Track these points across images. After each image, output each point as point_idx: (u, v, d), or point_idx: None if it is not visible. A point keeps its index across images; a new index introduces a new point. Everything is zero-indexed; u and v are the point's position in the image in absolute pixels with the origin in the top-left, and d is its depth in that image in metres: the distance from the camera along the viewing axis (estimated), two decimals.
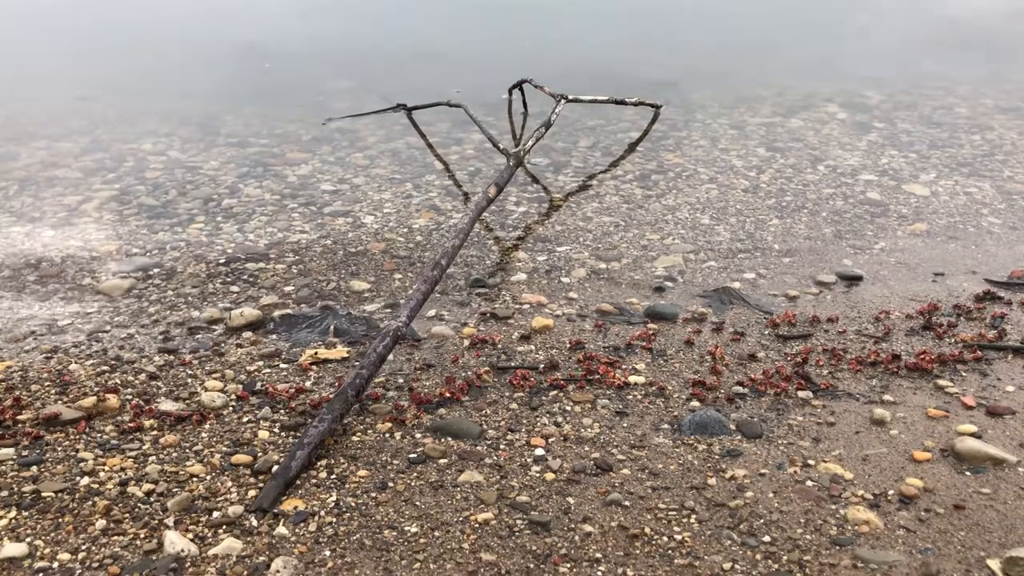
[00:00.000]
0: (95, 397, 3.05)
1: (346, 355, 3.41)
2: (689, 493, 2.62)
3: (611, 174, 5.58)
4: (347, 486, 2.61)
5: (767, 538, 2.44)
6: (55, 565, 2.29)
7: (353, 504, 2.54)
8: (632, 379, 3.25)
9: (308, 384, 3.20)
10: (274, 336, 3.56)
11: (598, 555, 2.36)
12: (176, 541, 2.36)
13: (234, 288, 3.98)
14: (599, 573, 2.30)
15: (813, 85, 7.83)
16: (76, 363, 3.32)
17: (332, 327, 3.62)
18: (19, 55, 8.64)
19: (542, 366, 3.34)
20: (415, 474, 2.68)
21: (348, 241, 4.51)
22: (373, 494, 2.58)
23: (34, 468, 2.68)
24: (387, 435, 2.89)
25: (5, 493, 2.56)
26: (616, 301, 3.92)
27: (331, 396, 3.04)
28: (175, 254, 4.31)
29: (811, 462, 2.79)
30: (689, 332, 3.64)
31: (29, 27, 9.99)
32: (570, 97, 6.15)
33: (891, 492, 2.65)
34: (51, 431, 2.87)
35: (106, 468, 2.69)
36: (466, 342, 3.53)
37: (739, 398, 3.16)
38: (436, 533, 2.43)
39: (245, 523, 2.45)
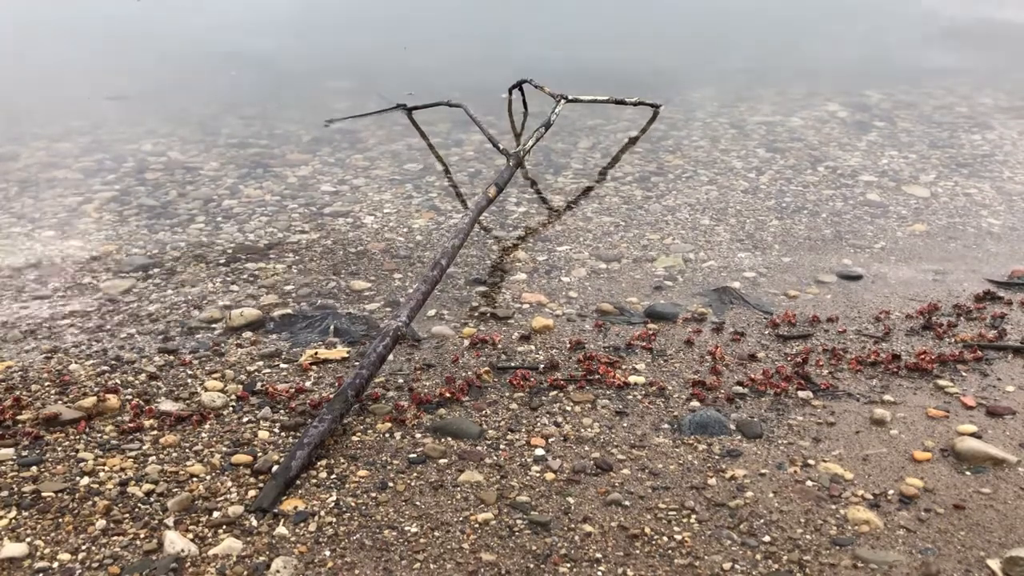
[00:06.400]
0: (95, 397, 3.05)
1: (346, 355, 3.41)
2: (689, 493, 2.62)
3: (611, 174, 5.59)
4: (347, 486, 2.61)
5: (767, 538, 2.44)
6: (55, 565, 2.28)
7: (353, 504, 2.54)
8: (632, 379, 3.26)
9: (308, 384, 3.20)
10: (274, 336, 3.57)
11: (598, 555, 2.36)
12: (176, 541, 2.36)
13: (234, 288, 3.98)
14: (599, 573, 2.30)
15: (813, 84, 7.83)
16: (76, 363, 3.32)
17: (332, 327, 3.63)
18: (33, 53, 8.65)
19: (542, 366, 3.34)
20: (415, 474, 2.68)
21: (348, 241, 4.52)
22: (373, 494, 2.58)
23: (34, 468, 2.68)
24: (387, 435, 2.89)
25: (5, 493, 2.56)
26: (616, 301, 3.92)
27: (331, 396, 3.04)
28: (175, 254, 4.31)
29: (811, 462, 2.79)
30: (689, 332, 3.64)
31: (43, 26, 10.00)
32: (570, 97, 6.15)
33: (891, 492, 2.65)
34: (51, 431, 2.87)
35: (106, 468, 2.69)
36: (466, 342, 3.53)
37: (739, 398, 3.16)
38: (436, 533, 2.43)
39: (245, 523, 2.45)
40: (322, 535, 2.41)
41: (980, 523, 2.52)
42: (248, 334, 3.57)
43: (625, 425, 2.98)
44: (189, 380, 3.21)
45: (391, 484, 2.63)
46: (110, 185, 5.20)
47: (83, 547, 2.35)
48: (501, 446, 2.84)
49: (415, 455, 2.78)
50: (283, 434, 2.89)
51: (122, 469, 2.68)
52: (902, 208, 5.11)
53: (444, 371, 3.30)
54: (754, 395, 3.19)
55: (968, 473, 2.75)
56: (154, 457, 2.75)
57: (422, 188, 5.29)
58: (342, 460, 2.74)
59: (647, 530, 2.46)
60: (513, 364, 3.35)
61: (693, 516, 2.52)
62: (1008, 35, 10.19)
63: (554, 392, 3.17)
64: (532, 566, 2.32)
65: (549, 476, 2.69)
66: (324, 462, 2.72)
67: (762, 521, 2.51)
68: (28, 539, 2.38)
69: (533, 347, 3.51)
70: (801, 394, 3.19)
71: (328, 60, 8.66)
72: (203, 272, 4.13)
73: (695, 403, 3.12)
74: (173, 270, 4.14)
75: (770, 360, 3.44)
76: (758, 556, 2.37)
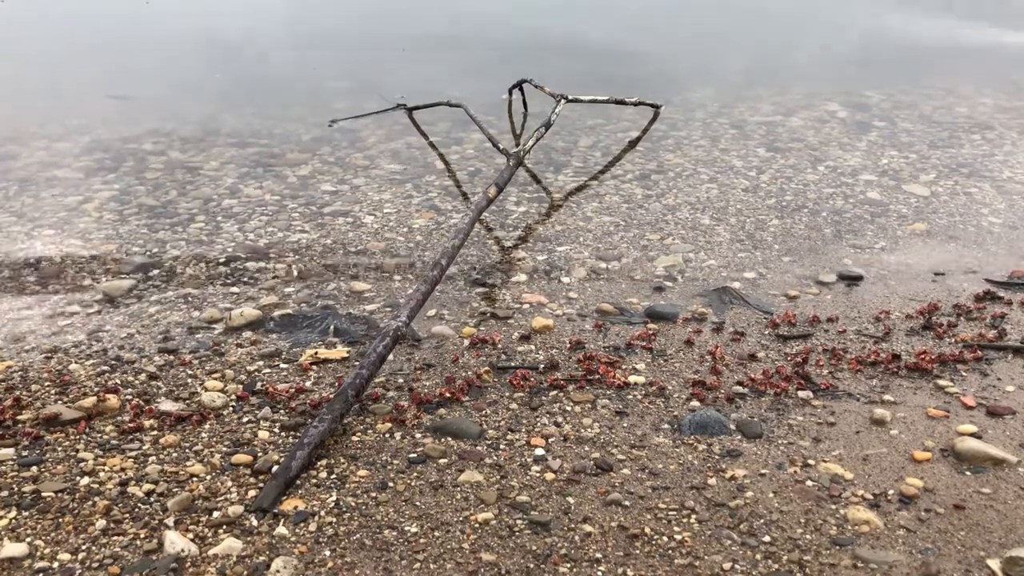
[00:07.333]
0: (95, 397, 3.05)
1: (346, 355, 3.41)
2: (689, 493, 2.62)
3: (611, 174, 5.58)
4: (347, 486, 2.61)
5: (767, 538, 2.44)
6: (55, 565, 2.28)
7: (353, 504, 2.54)
8: (632, 379, 3.25)
9: (308, 384, 3.20)
10: (274, 336, 3.56)
11: (598, 555, 2.36)
12: (176, 541, 2.36)
13: (234, 288, 3.98)
14: (599, 573, 2.30)
15: (813, 84, 7.83)
16: (76, 363, 3.31)
17: (332, 327, 3.62)
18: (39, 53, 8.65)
19: (542, 366, 3.34)
20: (415, 474, 2.68)
21: (348, 241, 4.51)
22: (373, 494, 2.58)
23: (34, 468, 2.68)
24: (387, 435, 2.89)
25: (5, 493, 2.56)
26: (616, 301, 3.92)
27: (331, 396, 3.04)
28: (175, 254, 4.31)
29: (811, 462, 2.79)
30: (689, 332, 3.64)
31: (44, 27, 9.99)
32: (570, 97, 6.15)
33: (891, 492, 2.65)
34: (51, 431, 2.87)
35: (106, 468, 2.69)
36: (466, 342, 3.53)
37: (739, 398, 3.16)
38: (436, 533, 2.43)
39: (245, 523, 2.45)
40: (322, 535, 2.41)
41: (980, 523, 2.52)
42: (248, 334, 3.57)
43: (625, 425, 2.98)
44: (189, 380, 3.21)
45: (391, 484, 2.63)
46: (110, 184, 5.19)
47: (83, 547, 2.35)
48: (501, 446, 2.84)
49: (415, 455, 2.78)
50: (283, 434, 2.89)
51: (122, 469, 2.68)
52: (902, 207, 5.11)
53: (444, 371, 3.30)
54: (754, 395, 3.19)
55: (968, 473, 2.75)
56: (154, 457, 2.75)
57: (422, 188, 5.29)
58: (342, 460, 2.74)
59: (647, 530, 2.46)
60: (513, 364, 3.35)
61: (693, 516, 2.52)
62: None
63: (554, 392, 3.17)
64: (532, 566, 2.32)
65: (549, 476, 2.69)
66: (324, 462, 2.72)
67: (762, 521, 2.51)
68: (28, 539, 2.38)
69: (533, 347, 3.51)
70: (801, 394, 3.19)
71: (328, 60, 8.65)
72: (203, 272, 4.13)
73: (695, 403, 3.12)
74: (173, 270, 4.14)
75: (770, 360, 3.44)
76: (758, 556, 2.37)
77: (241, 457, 2.75)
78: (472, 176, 5.52)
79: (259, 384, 3.19)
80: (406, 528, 2.44)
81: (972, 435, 2.93)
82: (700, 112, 6.97)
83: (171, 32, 9.63)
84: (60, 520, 2.45)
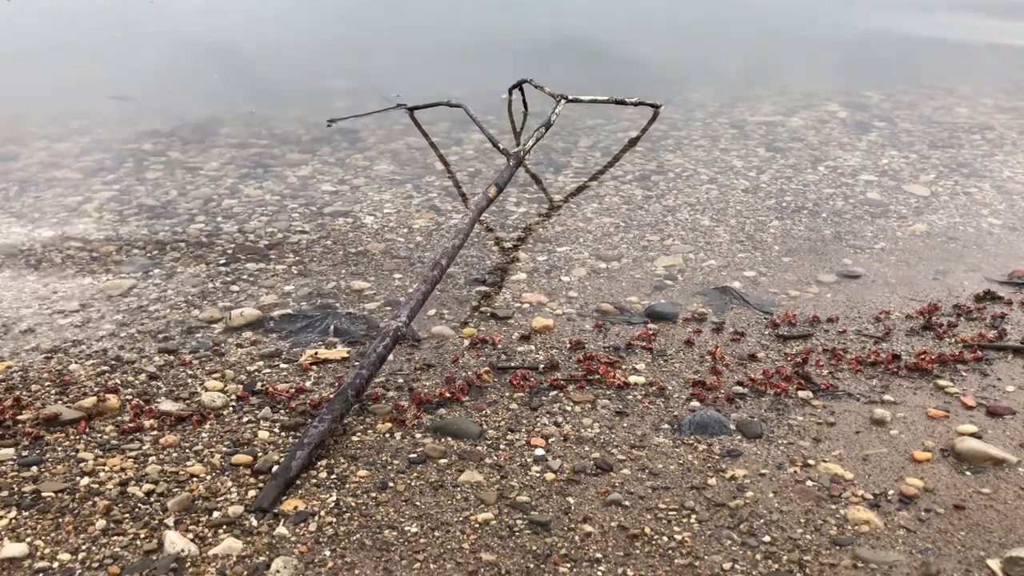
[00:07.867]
0: (95, 397, 3.05)
1: (346, 355, 3.41)
2: (689, 493, 2.62)
3: (611, 174, 5.58)
4: (347, 486, 2.62)
5: (767, 538, 2.44)
6: (55, 565, 2.29)
7: (353, 504, 2.54)
8: (632, 379, 3.26)
9: (308, 384, 3.20)
10: (274, 336, 3.56)
11: (598, 555, 2.36)
12: (176, 541, 2.36)
13: (234, 288, 3.98)
14: (599, 573, 2.30)
15: (813, 84, 7.83)
16: (76, 363, 3.32)
17: (332, 327, 3.63)
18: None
19: (542, 366, 3.34)
20: (415, 474, 2.69)
21: (348, 241, 4.52)
22: (373, 494, 2.58)
23: (34, 468, 2.68)
24: (387, 435, 2.89)
25: (5, 493, 2.56)
26: (616, 301, 3.92)
27: (331, 396, 3.04)
28: (175, 254, 4.31)
29: (811, 462, 2.79)
30: (689, 332, 3.64)
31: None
32: (570, 97, 6.15)
33: (891, 492, 2.65)
34: (51, 431, 2.87)
35: (106, 468, 2.69)
36: (466, 342, 3.53)
37: (739, 398, 3.16)
38: (436, 533, 2.43)
39: (245, 523, 2.45)
40: (322, 535, 2.41)
41: (980, 523, 2.52)
42: (248, 334, 3.57)
43: (625, 425, 2.98)
44: (189, 380, 3.21)
45: (391, 484, 2.63)
46: (110, 185, 5.20)
47: (83, 547, 2.35)
48: (501, 446, 2.84)
49: (415, 455, 2.78)
50: (283, 434, 2.90)
51: (122, 469, 2.68)
52: (902, 208, 5.11)
53: (444, 371, 3.30)
54: (754, 395, 3.19)
55: (968, 473, 2.75)
56: (154, 457, 2.75)
57: (422, 188, 5.29)
58: (342, 460, 2.74)
59: (647, 530, 2.46)
60: (513, 364, 3.35)
61: (693, 516, 2.52)
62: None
63: (554, 392, 3.17)
64: (532, 566, 2.32)
65: (549, 476, 2.69)
66: (324, 462, 2.72)
67: (762, 521, 2.51)
68: (28, 539, 2.38)
69: (533, 347, 3.51)
70: (801, 394, 3.19)
71: (327, 60, 8.66)
72: (203, 272, 4.13)
73: (695, 403, 3.12)
74: (173, 270, 4.14)
75: (770, 360, 3.44)
76: (758, 556, 2.37)
77: (241, 457, 2.75)
78: (472, 176, 5.52)
79: (259, 384, 3.19)
80: (406, 528, 2.44)
81: (972, 435, 2.93)
82: (700, 112, 6.97)
83: (172, 31, 9.63)
84: (60, 520, 2.45)
